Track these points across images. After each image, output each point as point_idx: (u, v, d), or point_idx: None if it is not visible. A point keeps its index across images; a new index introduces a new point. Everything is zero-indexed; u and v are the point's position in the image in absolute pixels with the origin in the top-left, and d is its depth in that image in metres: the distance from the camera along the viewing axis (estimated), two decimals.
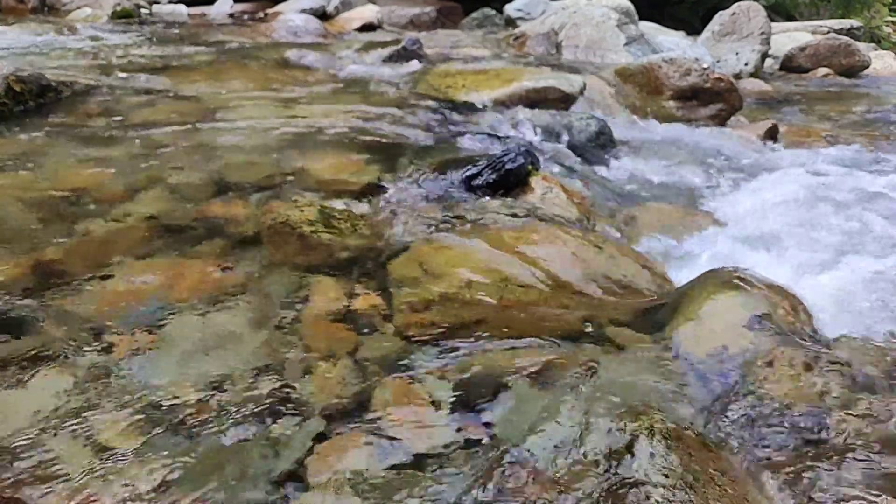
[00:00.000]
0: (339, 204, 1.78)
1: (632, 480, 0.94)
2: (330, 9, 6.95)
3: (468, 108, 2.85)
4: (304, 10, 6.38)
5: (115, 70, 3.33)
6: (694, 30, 6.26)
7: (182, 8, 6.83)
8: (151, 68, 3.46)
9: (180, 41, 4.72)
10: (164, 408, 1.05)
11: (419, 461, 0.99)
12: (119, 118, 2.53)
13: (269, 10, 6.89)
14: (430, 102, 2.91)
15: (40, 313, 1.28)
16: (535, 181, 1.99)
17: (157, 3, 6.94)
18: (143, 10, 6.38)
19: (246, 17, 6.78)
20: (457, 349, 1.25)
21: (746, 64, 5.46)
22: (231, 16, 6.78)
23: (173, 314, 1.30)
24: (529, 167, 2.01)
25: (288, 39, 5.19)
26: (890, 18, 11.38)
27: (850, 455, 1.10)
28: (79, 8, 6.28)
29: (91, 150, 2.16)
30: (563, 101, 3.04)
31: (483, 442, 1.04)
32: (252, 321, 1.28)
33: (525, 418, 1.09)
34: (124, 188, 1.84)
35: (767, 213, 2.32)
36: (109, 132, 2.35)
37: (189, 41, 4.74)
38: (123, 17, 5.84)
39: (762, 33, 5.56)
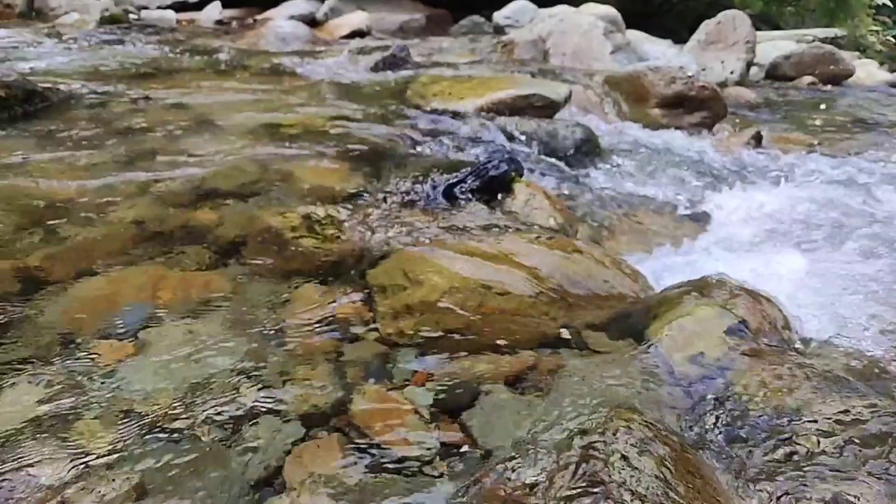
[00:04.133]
0: (322, 210, 1.78)
1: (607, 484, 0.95)
2: (319, 15, 6.97)
3: (454, 115, 2.87)
4: (293, 17, 6.41)
5: (103, 76, 3.33)
6: (680, 38, 6.32)
7: (170, 13, 6.84)
8: (139, 74, 3.46)
9: (168, 47, 4.72)
10: (142, 413, 1.05)
11: (397, 466, 1.00)
12: (105, 124, 2.53)
13: (258, 17, 6.91)
14: (417, 109, 2.93)
15: (22, 319, 1.28)
16: (518, 188, 2.01)
17: (146, 8, 6.94)
18: (131, 16, 6.38)
19: (235, 23, 6.79)
20: (437, 355, 1.25)
21: (732, 72, 5.51)
22: (220, 22, 6.79)
23: (156, 320, 1.30)
24: (513, 174, 2.03)
25: (276, 46, 5.20)
26: (874, 27, 11.53)
27: (826, 459, 1.12)
28: (67, 13, 6.27)
29: (77, 155, 2.16)
30: (549, 108, 3.07)
31: (461, 447, 1.05)
32: (234, 327, 1.29)
33: (503, 424, 1.10)
34: (109, 194, 1.84)
35: (749, 219, 2.35)
36: (95, 138, 2.35)
37: (177, 47, 4.74)
38: (112, 22, 5.83)
39: (747, 42, 5.63)
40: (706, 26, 5.77)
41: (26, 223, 1.64)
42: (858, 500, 1.03)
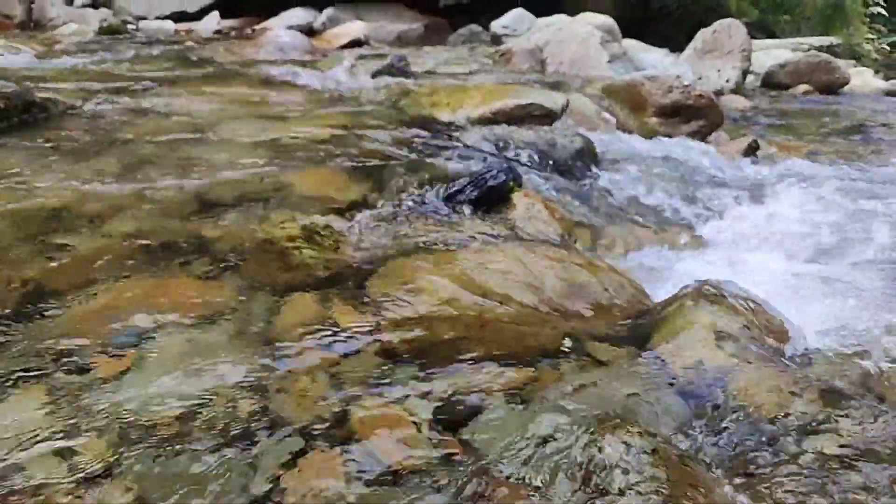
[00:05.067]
0: (321, 221, 1.79)
1: (606, 494, 0.96)
2: (317, 25, 7.00)
3: (452, 124, 2.88)
4: (291, 27, 6.44)
5: (101, 86, 3.33)
6: (677, 46, 6.34)
7: (169, 24, 6.87)
8: (137, 85, 3.47)
9: (166, 58, 4.74)
10: (141, 426, 1.05)
11: (397, 478, 1.00)
12: (104, 135, 2.53)
13: (257, 27, 6.94)
14: (415, 119, 2.94)
15: (21, 331, 1.28)
16: (517, 198, 2.02)
17: (144, 19, 6.96)
18: (129, 26, 6.40)
19: (233, 33, 6.81)
20: (436, 366, 1.26)
21: (728, 81, 5.54)
22: (218, 32, 6.81)
23: (154, 332, 1.30)
24: (511, 184, 2.03)
25: (275, 56, 5.21)
26: (869, 36, 11.60)
27: (825, 469, 1.12)
28: (65, 24, 6.30)
29: (76, 166, 2.16)
30: (547, 117, 3.08)
31: (462, 458, 1.05)
32: (233, 338, 1.29)
33: (504, 435, 1.10)
34: (108, 205, 1.84)
35: (746, 228, 2.36)
36: (94, 149, 2.35)
37: (175, 57, 4.76)
38: (110, 33, 5.86)
39: (743, 50, 5.66)
40: (702, 35, 5.80)
41: (25, 234, 1.64)
42: None
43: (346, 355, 1.26)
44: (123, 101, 3.09)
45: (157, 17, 7.14)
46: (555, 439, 1.07)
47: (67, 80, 3.50)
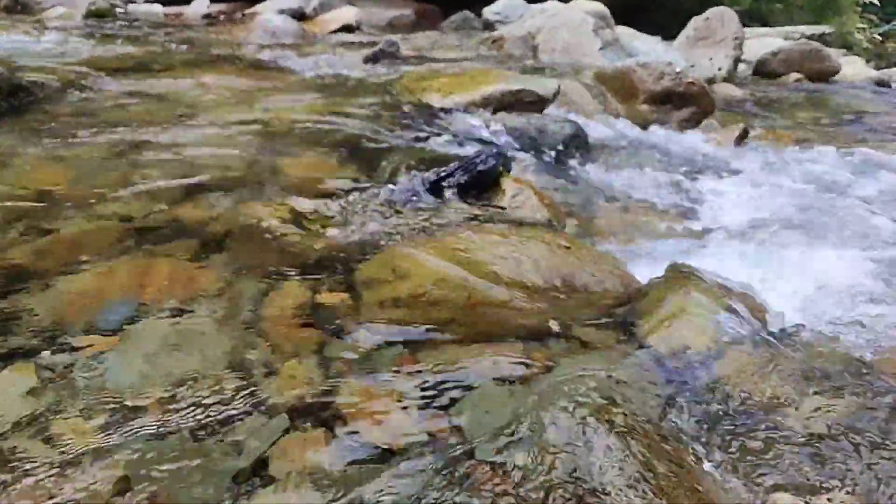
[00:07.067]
0: (310, 205, 1.78)
1: (590, 474, 0.96)
2: (308, 10, 6.93)
3: (443, 110, 2.87)
4: (282, 11, 6.36)
5: (89, 70, 3.30)
6: (671, 35, 6.33)
7: (157, 7, 6.79)
8: (125, 68, 3.43)
9: (155, 41, 4.69)
10: (128, 407, 1.05)
11: (382, 457, 1.00)
12: (92, 118, 2.52)
13: (247, 11, 6.86)
14: (406, 104, 2.93)
15: (7, 313, 1.27)
16: (506, 183, 2.02)
17: (133, 2, 6.88)
18: (117, 10, 6.33)
19: (223, 17, 6.74)
20: (424, 349, 1.26)
21: (720, 69, 5.54)
22: (208, 16, 6.74)
23: (141, 315, 1.30)
24: (501, 169, 2.03)
25: (265, 40, 5.17)
26: (861, 25, 11.63)
27: (805, 448, 1.13)
28: (53, 6, 6.21)
29: (63, 150, 2.14)
30: (538, 103, 3.07)
31: (447, 439, 1.05)
32: (220, 321, 1.29)
33: (490, 416, 1.10)
34: (95, 188, 1.82)
35: (734, 213, 2.37)
36: (82, 132, 2.34)
37: (164, 41, 4.71)
38: (98, 16, 5.78)
39: (735, 38, 5.66)
40: (695, 22, 5.80)
41: (11, 218, 1.63)
42: (837, 487, 1.05)
43: (332, 337, 1.27)
44: (111, 84, 3.06)
45: (146, 1, 7.05)
46: (540, 421, 1.07)
47: (55, 64, 3.46)
